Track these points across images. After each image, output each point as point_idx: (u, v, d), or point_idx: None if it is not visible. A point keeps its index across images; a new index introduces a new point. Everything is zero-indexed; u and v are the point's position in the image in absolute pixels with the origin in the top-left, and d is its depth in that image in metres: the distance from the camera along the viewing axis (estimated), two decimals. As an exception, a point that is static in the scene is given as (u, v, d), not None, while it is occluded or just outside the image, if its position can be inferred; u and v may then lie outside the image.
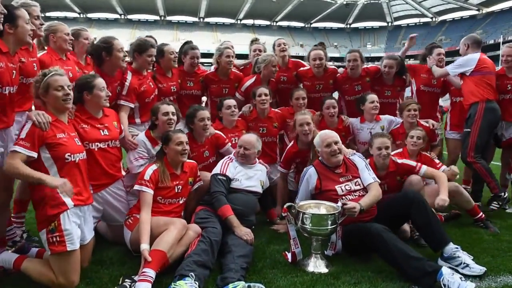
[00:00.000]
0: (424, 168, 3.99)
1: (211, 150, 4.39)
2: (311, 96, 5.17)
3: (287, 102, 5.20)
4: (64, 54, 3.98)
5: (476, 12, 72.94)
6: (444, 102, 6.83)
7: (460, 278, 2.79)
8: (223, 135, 4.49)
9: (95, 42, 4.35)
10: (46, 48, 3.92)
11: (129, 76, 4.32)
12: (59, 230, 2.85)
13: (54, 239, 2.84)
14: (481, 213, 4.25)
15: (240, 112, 4.95)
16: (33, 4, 3.52)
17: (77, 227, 2.98)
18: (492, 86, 4.76)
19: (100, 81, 3.49)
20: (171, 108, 3.99)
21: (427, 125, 4.83)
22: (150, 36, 5.31)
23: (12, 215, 3.80)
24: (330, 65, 5.60)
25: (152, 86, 4.56)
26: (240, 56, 6.29)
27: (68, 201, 2.91)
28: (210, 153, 4.39)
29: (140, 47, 4.37)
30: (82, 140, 3.29)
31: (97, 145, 3.44)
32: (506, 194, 4.77)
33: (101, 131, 3.48)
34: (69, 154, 3.02)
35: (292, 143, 4.65)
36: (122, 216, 3.66)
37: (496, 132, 4.97)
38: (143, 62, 4.39)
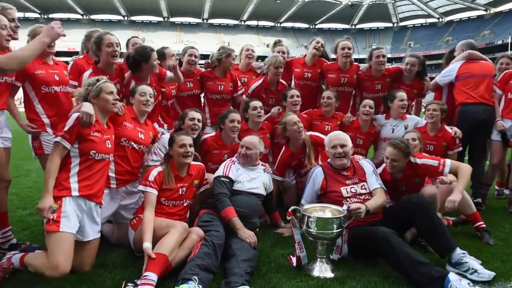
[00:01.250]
0: (449, 164, 3.74)
1: (230, 156, 4.38)
2: (336, 90, 5.21)
3: (311, 101, 5.25)
4: (50, 58, 4.00)
5: (484, 12, 72.55)
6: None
7: (468, 284, 2.74)
8: None
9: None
10: None
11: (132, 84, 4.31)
12: (58, 211, 2.97)
13: (51, 219, 2.94)
14: (482, 222, 4.00)
15: (269, 114, 5.01)
16: (8, 7, 3.58)
17: (76, 216, 3.07)
18: (472, 89, 4.92)
19: (141, 88, 3.84)
20: (198, 115, 4.22)
21: (451, 131, 4.74)
22: (136, 37, 5.47)
23: None
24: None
25: (156, 93, 4.54)
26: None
27: (75, 188, 3.09)
28: (228, 158, 4.36)
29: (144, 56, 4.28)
30: (120, 136, 3.60)
31: (133, 144, 3.70)
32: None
33: (139, 133, 3.77)
34: (94, 151, 3.19)
35: (284, 148, 4.65)
36: (131, 215, 3.70)
37: (505, 132, 4.93)
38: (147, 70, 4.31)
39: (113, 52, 4.03)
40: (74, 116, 3.15)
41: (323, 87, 5.64)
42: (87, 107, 3.17)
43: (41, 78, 3.83)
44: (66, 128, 3.10)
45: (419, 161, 3.87)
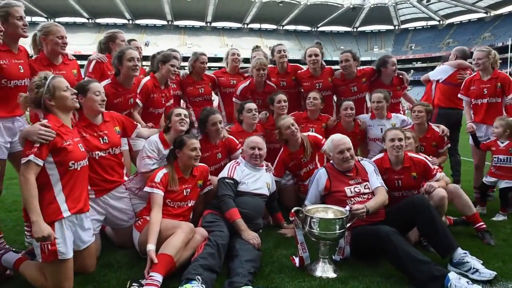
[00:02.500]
0: (439, 175, 3.96)
1: (224, 153, 4.45)
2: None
3: (293, 107, 5.25)
4: (57, 59, 3.88)
5: (484, 15, 72.51)
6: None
7: (467, 282, 2.77)
8: (235, 140, 4.53)
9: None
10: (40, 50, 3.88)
11: (145, 79, 4.45)
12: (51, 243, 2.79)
13: (46, 247, 2.78)
14: (482, 222, 4.00)
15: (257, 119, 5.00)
16: (15, 4, 3.45)
17: (71, 235, 2.95)
18: (452, 95, 5.52)
19: (95, 85, 3.46)
20: (183, 111, 4.09)
21: (438, 130, 4.80)
22: (134, 40, 5.52)
23: (25, 223, 3.81)
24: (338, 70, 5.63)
25: (164, 102, 4.64)
26: (247, 61, 6.35)
27: (65, 209, 2.89)
28: (223, 156, 4.44)
29: (164, 58, 4.49)
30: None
31: (97, 153, 3.42)
32: None
33: (100, 139, 3.45)
34: (72, 162, 2.95)
35: (282, 149, 4.68)
36: (125, 219, 3.69)
37: (474, 134, 5.13)
38: (166, 72, 4.50)
39: (134, 66, 4.10)
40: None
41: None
42: (32, 134, 2.77)
43: None
44: (36, 143, 2.77)
45: (416, 156, 4.06)
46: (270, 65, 5.51)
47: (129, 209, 3.74)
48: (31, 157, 2.74)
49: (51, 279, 2.84)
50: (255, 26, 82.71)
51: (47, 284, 2.87)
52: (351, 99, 5.17)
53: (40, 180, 2.80)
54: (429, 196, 3.74)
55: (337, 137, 3.91)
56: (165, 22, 79.59)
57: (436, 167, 4.24)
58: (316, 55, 5.34)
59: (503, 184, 4.76)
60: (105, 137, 3.47)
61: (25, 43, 3.75)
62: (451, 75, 5.62)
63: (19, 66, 3.49)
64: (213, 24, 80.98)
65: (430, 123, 4.88)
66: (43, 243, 2.76)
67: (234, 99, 5.34)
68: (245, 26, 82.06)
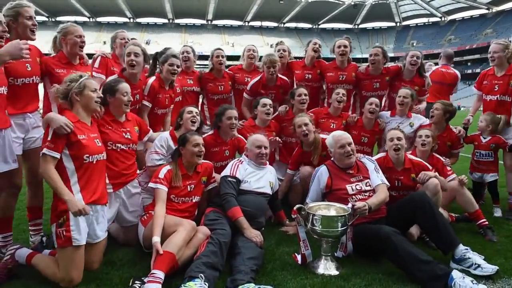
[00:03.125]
0: (435, 173, 3.94)
1: (232, 151, 4.48)
2: (336, 88, 5.22)
3: (313, 102, 5.28)
4: (76, 58, 4.03)
5: (486, 11, 72.22)
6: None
7: (472, 281, 2.74)
8: (245, 140, 4.50)
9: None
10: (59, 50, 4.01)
11: (151, 80, 4.51)
12: (66, 225, 2.96)
13: (61, 233, 2.97)
14: (485, 219, 4.04)
15: (276, 113, 5.05)
16: (25, 5, 3.52)
17: (85, 224, 3.08)
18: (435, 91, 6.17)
19: (123, 86, 3.64)
20: (195, 109, 4.21)
21: (455, 130, 4.77)
22: (134, 38, 5.50)
23: (29, 222, 3.90)
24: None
25: (167, 102, 4.67)
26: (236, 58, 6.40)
27: (80, 198, 3.04)
28: (230, 154, 4.47)
29: (163, 59, 4.54)
30: (106, 141, 3.46)
31: (119, 146, 3.59)
32: None
33: (124, 133, 3.66)
34: (87, 155, 3.12)
35: (298, 146, 4.72)
36: (135, 216, 3.76)
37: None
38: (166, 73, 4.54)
39: (130, 61, 4.18)
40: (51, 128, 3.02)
41: (324, 87, 5.68)
42: (54, 121, 2.97)
43: (62, 77, 3.66)
44: (49, 137, 2.98)
45: (415, 158, 4.10)
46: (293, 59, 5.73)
47: (139, 208, 3.83)
48: (45, 150, 2.96)
49: (63, 267, 2.95)
50: (256, 23, 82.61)
51: (58, 274, 2.96)
52: (373, 95, 5.17)
53: (58, 170, 3.00)
54: (424, 185, 3.80)
55: (337, 132, 3.91)
56: (166, 21, 79.54)
57: (449, 168, 4.36)
58: (345, 46, 5.38)
59: (489, 178, 4.81)
60: (128, 134, 3.69)
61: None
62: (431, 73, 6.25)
63: (27, 65, 3.53)
64: (214, 22, 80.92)
65: (449, 124, 4.83)
66: (60, 229, 2.96)
67: (244, 94, 5.35)
68: (246, 24, 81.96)
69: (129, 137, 3.69)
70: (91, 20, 75.92)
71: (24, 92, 3.55)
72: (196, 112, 4.16)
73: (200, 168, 3.79)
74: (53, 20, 68.96)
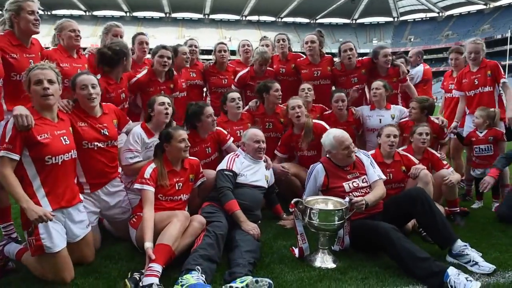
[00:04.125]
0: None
1: (213, 146, 4.42)
2: (313, 84, 5.22)
3: (286, 95, 5.21)
4: (74, 52, 4.05)
5: (484, 7, 72.21)
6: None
7: (466, 278, 2.74)
8: (224, 131, 4.51)
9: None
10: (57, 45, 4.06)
11: (141, 73, 4.52)
12: (35, 234, 2.82)
13: (32, 242, 2.84)
14: (458, 208, 4.29)
15: (247, 107, 5.02)
16: None
17: (60, 227, 2.98)
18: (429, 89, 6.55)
19: (80, 79, 3.36)
20: (166, 99, 3.98)
21: (437, 121, 4.82)
22: (142, 33, 5.39)
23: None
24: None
25: (164, 93, 4.55)
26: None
27: (46, 205, 2.87)
28: (212, 150, 4.41)
29: (153, 51, 4.53)
30: (81, 140, 3.26)
31: (97, 144, 3.39)
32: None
33: (101, 131, 3.42)
34: (49, 156, 2.89)
35: (289, 128, 4.77)
36: (120, 212, 3.69)
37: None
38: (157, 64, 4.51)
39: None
40: (10, 122, 2.80)
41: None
42: (18, 110, 2.80)
43: (66, 72, 3.69)
44: (6, 139, 2.76)
45: (402, 152, 4.25)
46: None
47: (124, 202, 3.72)
48: (3, 152, 2.74)
49: (48, 270, 2.90)
50: (254, 18, 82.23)
51: (47, 275, 2.90)
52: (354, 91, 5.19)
53: (18, 174, 2.80)
54: (416, 179, 3.94)
55: (337, 133, 3.81)
56: (162, 15, 79.05)
57: (445, 162, 4.46)
58: (313, 42, 5.32)
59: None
60: (105, 130, 3.46)
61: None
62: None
63: (30, 61, 3.51)
64: (211, 16, 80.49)
65: (430, 116, 4.84)
66: (31, 238, 2.82)
67: (232, 86, 5.37)
68: (244, 18, 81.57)
69: (106, 133, 3.44)
70: (87, 14, 75.31)
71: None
72: (168, 103, 3.94)
73: (187, 164, 3.71)
74: (49, 13, 68.30)
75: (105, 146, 3.45)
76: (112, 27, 4.83)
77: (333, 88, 5.51)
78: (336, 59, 5.60)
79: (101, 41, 4.91)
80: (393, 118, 4.95)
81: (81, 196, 3.27)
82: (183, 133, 3.64)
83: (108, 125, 3.49)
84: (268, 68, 5.44)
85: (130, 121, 3.99)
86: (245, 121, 4.83)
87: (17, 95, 3.41)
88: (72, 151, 3.08)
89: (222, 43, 5.66)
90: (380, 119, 4.93)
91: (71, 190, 3.10)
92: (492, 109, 4.83)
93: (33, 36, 3.67)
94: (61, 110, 3.20)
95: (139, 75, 4.50)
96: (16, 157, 2.78)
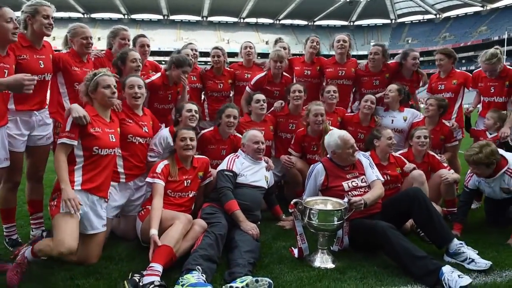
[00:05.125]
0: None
1: (229, 150, 4.49)
2: (336, 83, 5.29)
3: (308, 97, 5.28)
4: (85, 57, 4.13)
5: (481, 9, 72.53)
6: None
7: (459, 275, 2.79)
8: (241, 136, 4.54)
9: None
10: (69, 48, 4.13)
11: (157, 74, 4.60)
12: (58, 198, 3.07)
13: (54, 203, 3.10)
14: (455, 208, 4.29)
15: (272, 109, 5.09)
16: (44, 4, 3.59)
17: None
18: None
19: (130, 80, 3.80)
20: (194, 107, 4.24)
21: (448, 124, 4.87)
22: (143, 35, 5.39)
23: (30, 217, 3.93)
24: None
25: (170, 99, 4.66)
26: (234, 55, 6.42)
27: (78, 183, 3.17)
28: (227, 153, 4.45)
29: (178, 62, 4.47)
30: (127, 133, 3.67)
31: (138, 139, 3.78)
32: None
33: (143, 127, 3.84)
34: (97, 147, 3.25)
35: (302, 129, 4.82)
36: (138, 209, 3.81)
37: None
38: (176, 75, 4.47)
39: (137, 67, 4.29)
40: (70, 117, 3.20)
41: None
42: (76, 111, 3.19)
43: (77, 75, 3.91)
44: (67, 128, 3.16)
45: (395, 154, 4.39)
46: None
47: (142, 201, 3.90)
48: (65, 139, 3.14)
49: (56, 235, 2.98)
50: (252, 20, 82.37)
51: (52, 243, 2.98)
52: (372, 92, 5.22)
53: (69, 157, 3.19)
54: (410, 177, 4.08)
55: (342, 133, 3.86)
56: (161, 17, 79.14)
57: (445, 164, 4.53)
58: (345, 41, 5.44)
59: None
60: (145, 127, 3.88)
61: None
62: None
63: (40, 62, 3.58)
64: (209, 19, 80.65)
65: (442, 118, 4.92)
66: (52, 202, 3.12)
67: (247, 88, 5.36)
68: (242, 20, 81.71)
69: (146, 130, 3.87)
70: (85, 16, 75.30)
71: (34, 89, 3.54)
72: (195, 110, 4.19)
73: (196, 163, 3.83)
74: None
75: (144, 142, 3.86)
76: (119, 31, 4.82)
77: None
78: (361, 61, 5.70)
79: (107, 44, 4.92)
80: (405, 120, 5.02)
81: (111, 188, 3.55)
82: (185, 132, 3.78)
83: (147, 124, 3.91)
84: (285, 74, 5.44)
85: (162, 125, 4.29)
86: (267, 123, 4.93)
87: (26, 95, 3.43)
88: (116, 148, 3.45)
89: (217, 48, 5.63)
90: (392, 120, 5.05)
91: (103, 182, 3.36)
92: (504, 112, 4.87)
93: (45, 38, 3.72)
94: (113, 111, 3.59)
95: (153, 77, 4.51)
96: (74, 142, 3.17)
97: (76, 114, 3.16)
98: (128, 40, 4.85)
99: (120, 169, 3.70)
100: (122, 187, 3.75)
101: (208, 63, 5.83)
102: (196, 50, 5.61)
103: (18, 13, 3.56)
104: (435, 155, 4.56)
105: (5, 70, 3.17)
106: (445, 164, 4.51)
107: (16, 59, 3.38)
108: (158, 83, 4.50)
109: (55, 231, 3.02)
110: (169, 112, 4.80)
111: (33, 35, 3.57)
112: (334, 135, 3.83)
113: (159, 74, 4.59)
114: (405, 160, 4.32)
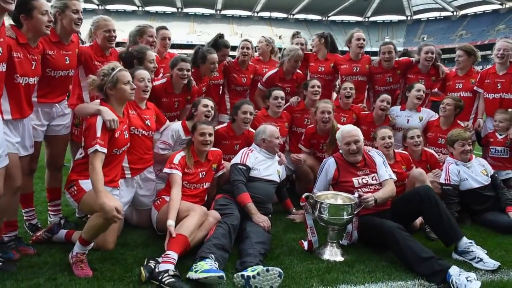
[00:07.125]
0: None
1: (242, 145, 4.51)
2: (351, 80, 5.34)
3: (325, 95, 5.36)
4: (107, 50, 4.13)
5: (499, 7, 70.93)
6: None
7: (467, 278, 2.76)
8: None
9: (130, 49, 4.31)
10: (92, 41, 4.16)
11: (163, 79, 4.55)
12: (77, 185, 3.17)
13: (74, 191, 3.18)
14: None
15: (288, 104, 5.15)
16: None
17: None
18: None
19: (138, 73, 3.74)
20: (211, 103, 4.27)
21: (463, 124, 4.87)
22: (164, 27, 5.38)
23: (48, 203, 4.07)
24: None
25: (176, 106, 4.63)
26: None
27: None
28: (240, 148, 4.46)
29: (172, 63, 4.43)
30: (130, 125, 3.61)
31: (141, 131, 3.76)
32: None
33: (145, 121, 3.82)
34: (116, 149, 3.30)
35: (312, 125, 4.89)
36: (148, 202, 3.91)
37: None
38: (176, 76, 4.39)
39: (154, 68, 4.25)
40: (99, 120, 3.12)
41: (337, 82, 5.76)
42: (109, 114, 3.16)
43: (98, 69, 3.68)
44: (98, 134, 3.07)
45: (402, 152, 4.48)
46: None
47: (153, 193, 3.97)
48: (97, 146, 3.03)
49: (94, 207, 2.93)
50: (265, 14, 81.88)
51: (96, 215, 2.98)
52: (386, 89, 5.29)
53: (87, 157, 3.13)
54: (411, 176, 4.12)
55: (347, 128, 3.96)
56: (174, 9, 79.10)
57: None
58: (364, 39, 5.53)
59: (503, 175, 4.84)
60: (148, 121, 3.84)
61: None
62: None
63: (66, 58, 3.63)
64: (223, 12, 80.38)
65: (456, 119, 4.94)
66: (70, 190, 3.20)
67: (259, 85, 5.42)
68: (255, 14, 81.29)
69: (149, 124, 3.85)
70: (100, 7, 75.72)
71: (58, 84, 3.65)
72: (212, 107, 4.23)
73: (211, 156, 3.92)
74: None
75: (146, 135, 3.83)
76: (147, 28, 4.77)
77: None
78: (374, 58, 5.72)
79: (132, 42, 4.77)
80: (420, 120, 5.05)
81: (119, 184, 3.54)
82: (205, 128, 3.79)
83: (150, 118, 3.87)
84: (298, 71, 5.47)
85: (168, 122, 4.26)
86: (283, 119, 4.99)
87: (49, 90, 3.58)
88: (128, 144, 3.50)
89: (246, 40, 5.57)
90: (408, 119, 5.07)
91: (115, 174, 3.43)
92: (510, 110, 4.86)
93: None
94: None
95: (157, 82, 4.39)
96: (105, 150, 3.10)
97: (110, 117, 3.14)
98: (156, 38, 4.85)
99: (125, 164, 3.67)
100: (128, 183, 3.77)
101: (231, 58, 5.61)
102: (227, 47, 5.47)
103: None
104: (434, 153, 4.59)
105: (33, 62, 3.20)
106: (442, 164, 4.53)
107: (44, 52, 3.41)
108: (159, 89, 4.37)
109: (93, 203, 2.94)
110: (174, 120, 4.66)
111: (63, 30, 3.58)
112: (342, 128, 3.99)
113: (164, 80, 4.48)
114: (411, 158, 4.36)
